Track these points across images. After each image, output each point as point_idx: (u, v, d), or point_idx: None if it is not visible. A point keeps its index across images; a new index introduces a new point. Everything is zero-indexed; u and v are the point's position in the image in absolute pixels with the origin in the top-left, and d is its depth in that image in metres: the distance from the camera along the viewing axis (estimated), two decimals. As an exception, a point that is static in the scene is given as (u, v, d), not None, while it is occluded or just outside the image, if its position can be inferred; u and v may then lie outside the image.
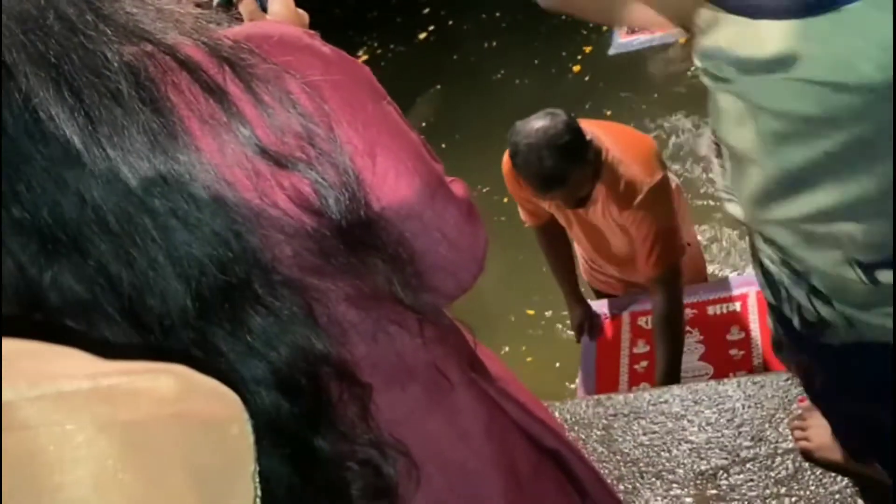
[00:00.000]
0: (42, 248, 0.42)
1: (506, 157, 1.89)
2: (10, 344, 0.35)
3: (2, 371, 0.32)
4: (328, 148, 0.48)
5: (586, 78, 4.34)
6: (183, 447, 0.34)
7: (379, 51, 5.60)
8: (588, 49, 4.51)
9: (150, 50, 0.45)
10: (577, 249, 2.31)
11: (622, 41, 4.40)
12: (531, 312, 3.24)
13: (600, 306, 2.40)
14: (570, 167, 1.71)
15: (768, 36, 0.67)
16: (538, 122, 1.71)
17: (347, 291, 0.50)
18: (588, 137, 1.76)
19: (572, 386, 2.78)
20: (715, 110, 0.80)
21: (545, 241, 2.22)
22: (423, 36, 5.50)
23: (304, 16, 0.73)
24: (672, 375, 1.97)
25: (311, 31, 0.55)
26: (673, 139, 3.76)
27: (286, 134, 0.47)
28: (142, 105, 0.43)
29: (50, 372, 0.33)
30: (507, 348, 3.12)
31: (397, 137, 0.54)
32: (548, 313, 3.19)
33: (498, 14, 5.22)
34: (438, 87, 4.94)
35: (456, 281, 0.58)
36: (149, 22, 0.46)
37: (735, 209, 0.87)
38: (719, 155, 0.89)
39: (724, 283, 2.34)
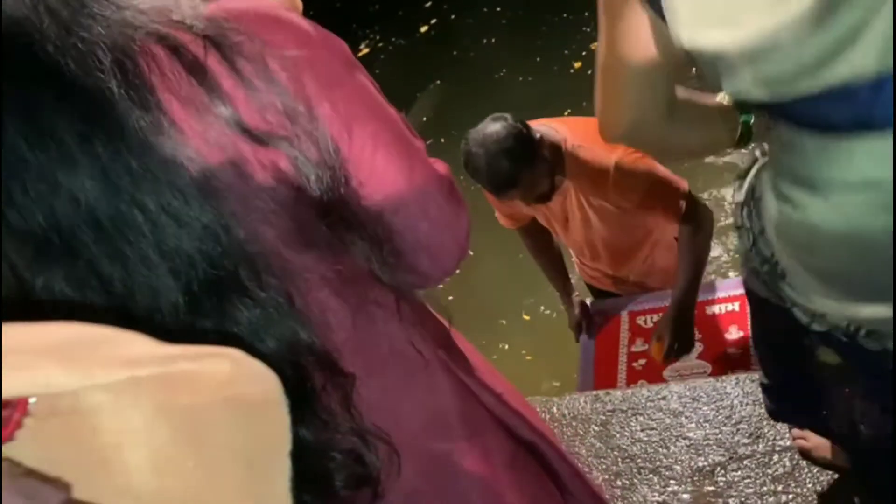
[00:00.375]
0: (36, 253, 0.42)
1: None
2: (86, 329, 0.36)
3: (81, 355, 0.33)
4: (309, 124, 0.48)
5: (588, 74, 4.33)
6: (233, 429, 0.35)
7: (380, 44, 5.58)
8: (593, 45, 4.50)
9: (136, 38, 0.45)
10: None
11: None
12: (529, 312, 3.24)
13: (599, 305, 2.40)
14: (516, 170, 1.71)
15: (849, 155, 0.65)
16: (483, 129, 1.73)
17: (327, 275, 0.51)
18: (538, 135, 1.76)
19: (571, 384, 2.78)
20: (783, 230, 0.77)
21: (529, 242, 2.21)
22: (424, 29, 5.49)
23: (298, 2, 0.73)
24: (686, 300, 1.91)
25: (289, 8, 0.54)
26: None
27: (268, 111, 0.47)
28: (131, 103, 0.43)
29: (122, 356, 0.34)
30: (505, 346, 3.12)
31: (374, 112, 0.53)
32: (546, 311, 3.19)
33: (499, 9, 5.20)
34: (438, 81, 4.93)
35: (437, 263, 0.57)
36: (135, 13, 0.46)
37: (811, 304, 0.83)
38: (769, 268, 0.86)
39: (722, 283, 2.34)
